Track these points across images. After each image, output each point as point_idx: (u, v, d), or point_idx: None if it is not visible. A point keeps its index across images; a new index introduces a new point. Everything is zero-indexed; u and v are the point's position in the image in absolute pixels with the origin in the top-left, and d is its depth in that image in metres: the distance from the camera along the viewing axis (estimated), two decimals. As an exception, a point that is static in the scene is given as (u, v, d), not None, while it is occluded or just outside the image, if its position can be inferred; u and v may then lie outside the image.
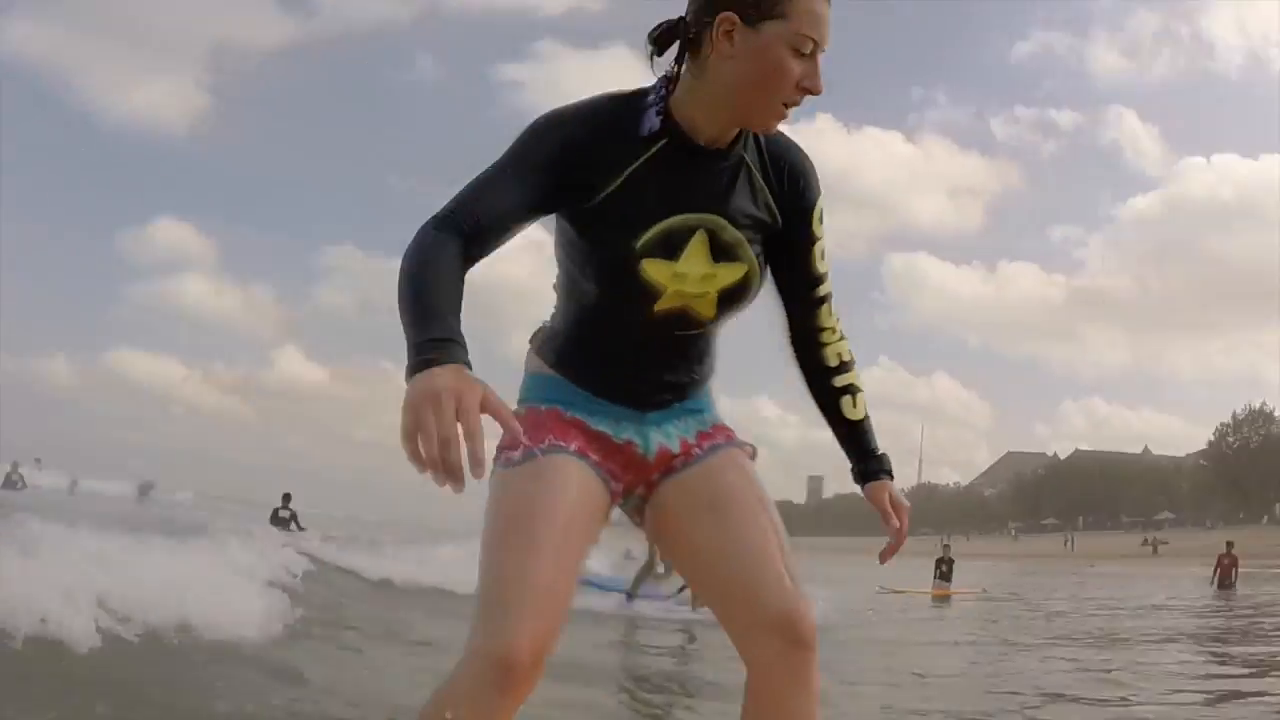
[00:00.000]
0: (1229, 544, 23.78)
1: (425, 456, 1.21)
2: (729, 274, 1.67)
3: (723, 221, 1.66)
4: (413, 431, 1.22)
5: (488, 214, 1.54)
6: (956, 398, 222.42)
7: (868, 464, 1.88)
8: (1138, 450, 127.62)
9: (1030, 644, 9.96)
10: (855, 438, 1.88)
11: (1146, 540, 70.31)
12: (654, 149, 1.62)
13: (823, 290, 1.83)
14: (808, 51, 1.55)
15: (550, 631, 1.54)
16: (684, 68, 1.62)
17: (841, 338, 1.88)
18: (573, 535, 1.63)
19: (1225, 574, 22.86)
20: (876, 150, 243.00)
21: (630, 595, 11.24)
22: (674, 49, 1.63)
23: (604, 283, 1.66)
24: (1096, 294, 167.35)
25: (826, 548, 54.36)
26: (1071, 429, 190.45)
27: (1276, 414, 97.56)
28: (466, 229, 1.51)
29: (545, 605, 1.55)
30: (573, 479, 1.67)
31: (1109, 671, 7.24)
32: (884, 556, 1.92)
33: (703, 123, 1.63)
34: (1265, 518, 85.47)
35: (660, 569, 10.72)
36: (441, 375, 1.24)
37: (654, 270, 1.63)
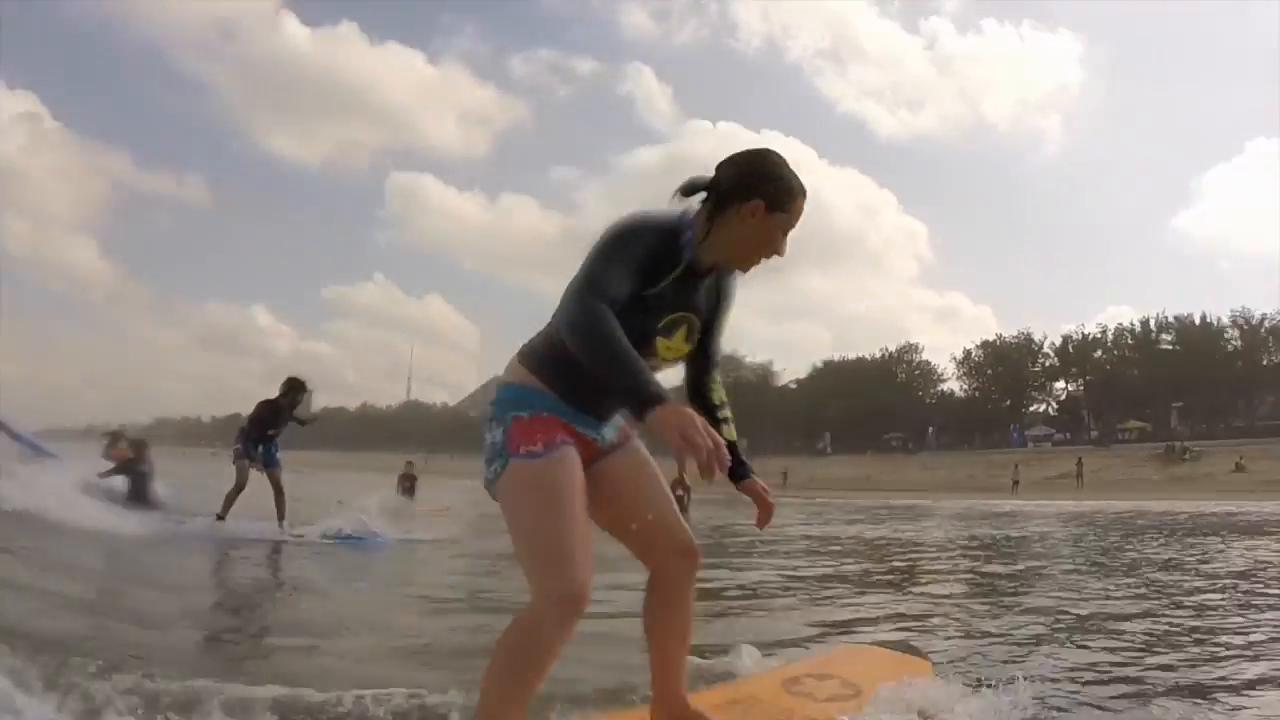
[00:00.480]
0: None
1: (705, 455, 2.11)
2: (689, 346, 2.73)
3: (697, 319, 2.69)
4: (690, 438, 2.11)
5: (616, 293, 2.40)
6: (449, 320, 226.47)
7: (741, 469, 2.79)
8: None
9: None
10: (732, 452, 2.64)
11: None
12: (681, 268, 2.58)
13: (718, 356, 2.91)
14: (787, 233, 2.61)
15: (591, 574, 2.38)
16: (706, 216, 2.61)
17: (720, 384, 2.91)
18: (584, 504, 2.48)
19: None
20: (397, 66, 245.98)
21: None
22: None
23: None
24: (589, 235, 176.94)
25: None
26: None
27: (746, 359, 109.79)
28: (607, 303, 2.36)
29: (588, 556, 2.40)
30: (577, 466, 2.53)
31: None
32: (760, 523, 2.79)
33: (707, 259, 2.63)
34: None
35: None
36: (682, 409, 2.17)
37: (660, 342, 2.61)
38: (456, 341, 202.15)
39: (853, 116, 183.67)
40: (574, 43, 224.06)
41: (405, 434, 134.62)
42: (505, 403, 2.62)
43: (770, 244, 2.64)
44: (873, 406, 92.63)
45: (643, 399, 2.22)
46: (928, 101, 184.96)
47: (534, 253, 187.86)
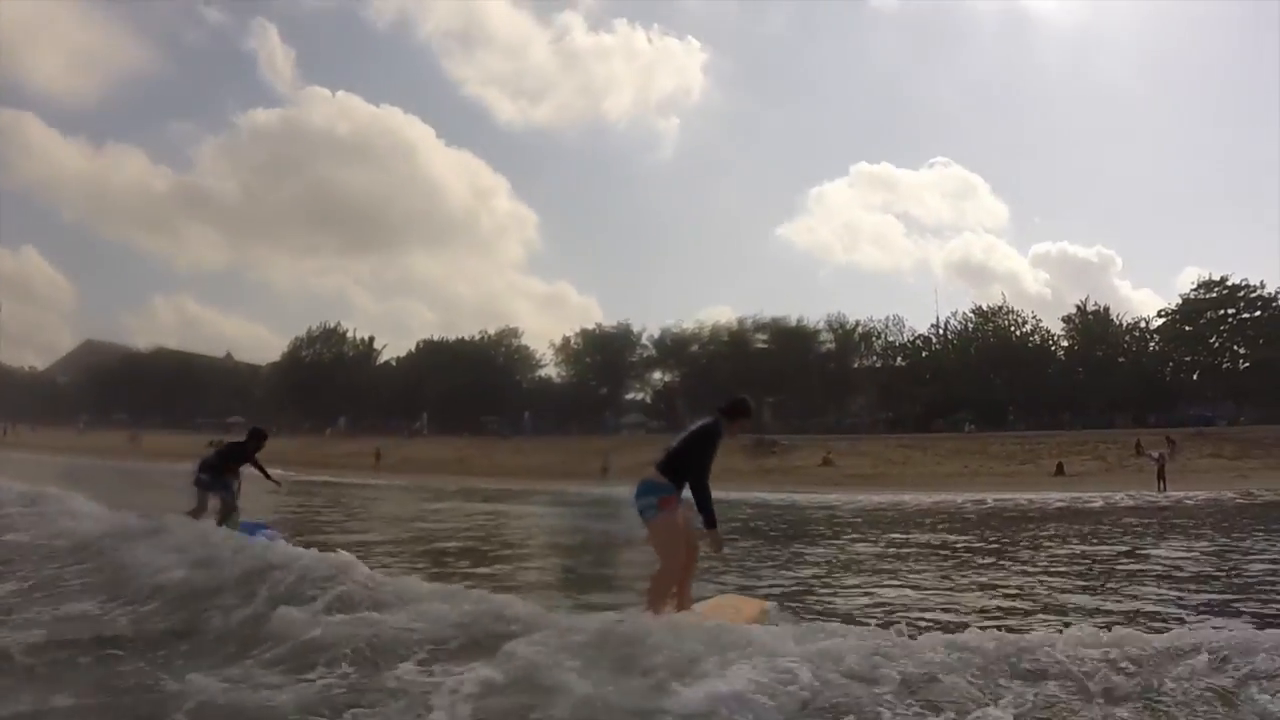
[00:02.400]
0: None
1: (719, 549, 7.76)
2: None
3: None
4: (718, 546, 7.58)
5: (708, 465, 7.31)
6: (44, 275, 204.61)
7: (706, 524, 7.27)
8: (221, 354, 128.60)
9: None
10: (705, 510, 7.18)
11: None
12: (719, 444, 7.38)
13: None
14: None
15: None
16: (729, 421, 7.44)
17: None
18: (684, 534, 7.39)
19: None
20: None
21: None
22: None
23: None
24: (202, 193, 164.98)
25: None
26: (160, 325, 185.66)
27: (349, 335, 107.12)
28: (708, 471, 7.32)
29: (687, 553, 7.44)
30: (681, 518, 7.32)
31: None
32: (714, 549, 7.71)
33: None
34: (329, 430, 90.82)
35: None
36: (716, 533, 7.41)
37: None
38: (51, 299, 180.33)
39: (475, 100, 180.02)
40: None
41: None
42: (657, 488, 7.12)
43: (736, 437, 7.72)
44: (472, 389, 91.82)
45: (713, 520, 7.23)
46: (550, 93, 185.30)
47: (141, 208, 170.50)
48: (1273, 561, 14.44)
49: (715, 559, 9.89)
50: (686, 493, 7.13)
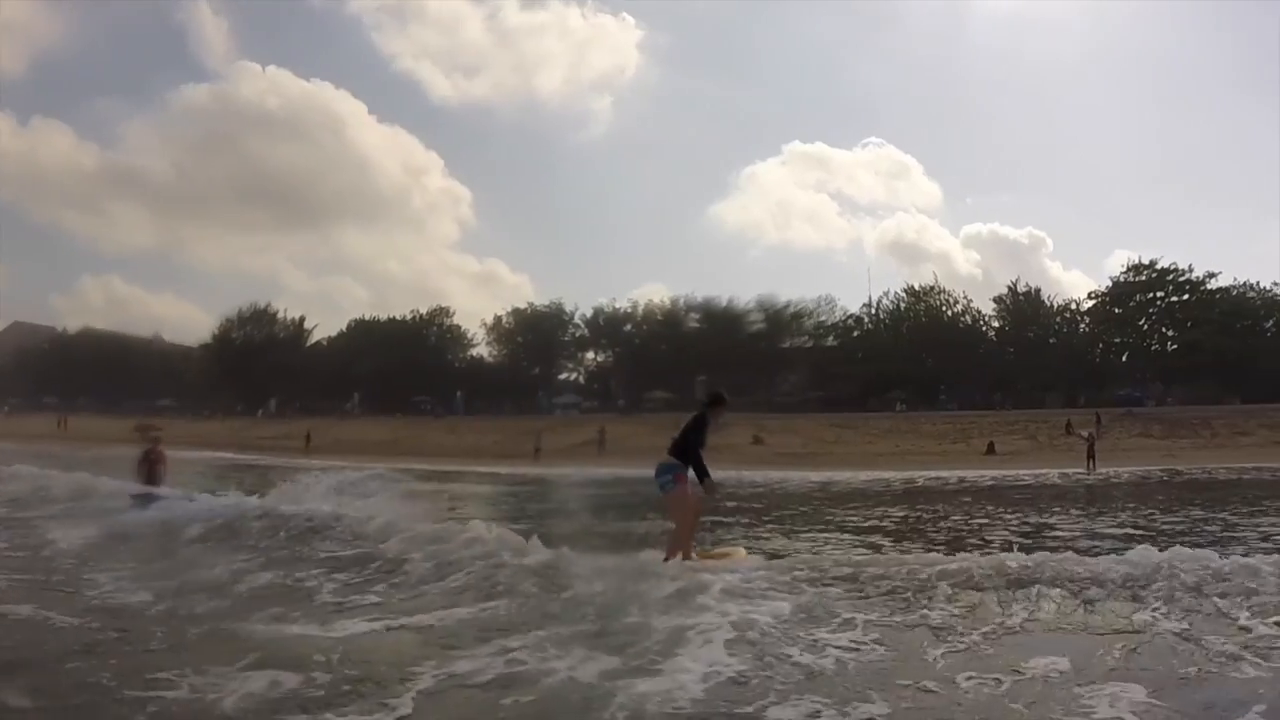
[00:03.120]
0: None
1: (717, 496, 11.26)
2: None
3: None
4: (713, 491, 10.26)
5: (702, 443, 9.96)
6: None
7: (705, 482, 9.84)
8: (150, 335, 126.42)
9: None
10: (700, 471, 9.74)
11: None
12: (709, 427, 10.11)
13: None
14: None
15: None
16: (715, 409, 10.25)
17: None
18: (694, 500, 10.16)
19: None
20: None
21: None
22: None
23: None
24: (131, 171, 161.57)
25: None
26: (88, 305, 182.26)
27: (280, 315, 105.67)
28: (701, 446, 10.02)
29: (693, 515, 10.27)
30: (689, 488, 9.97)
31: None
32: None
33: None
34: (260, 412, 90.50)
35: None
36: (712, 481, 9.95)
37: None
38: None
39: (407, 75, 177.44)
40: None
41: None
42: (672, 467, 9.81)
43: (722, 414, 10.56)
44: (404, 368, 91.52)
45: (705, 475, 9.77)
46: (483, 69, 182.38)
47: (67, 186, 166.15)
48: (1186, 518, 16.85)
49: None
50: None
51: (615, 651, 6.00)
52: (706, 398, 10.55)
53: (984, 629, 6.26)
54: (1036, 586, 7.03)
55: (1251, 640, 5.73)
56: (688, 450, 9.93)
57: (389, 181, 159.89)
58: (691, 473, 9.83)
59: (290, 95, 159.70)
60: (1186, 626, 6.06)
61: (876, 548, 13.92)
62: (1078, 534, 15.44)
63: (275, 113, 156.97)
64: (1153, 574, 7.00)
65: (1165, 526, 16.42)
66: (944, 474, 35.50)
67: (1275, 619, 6.02)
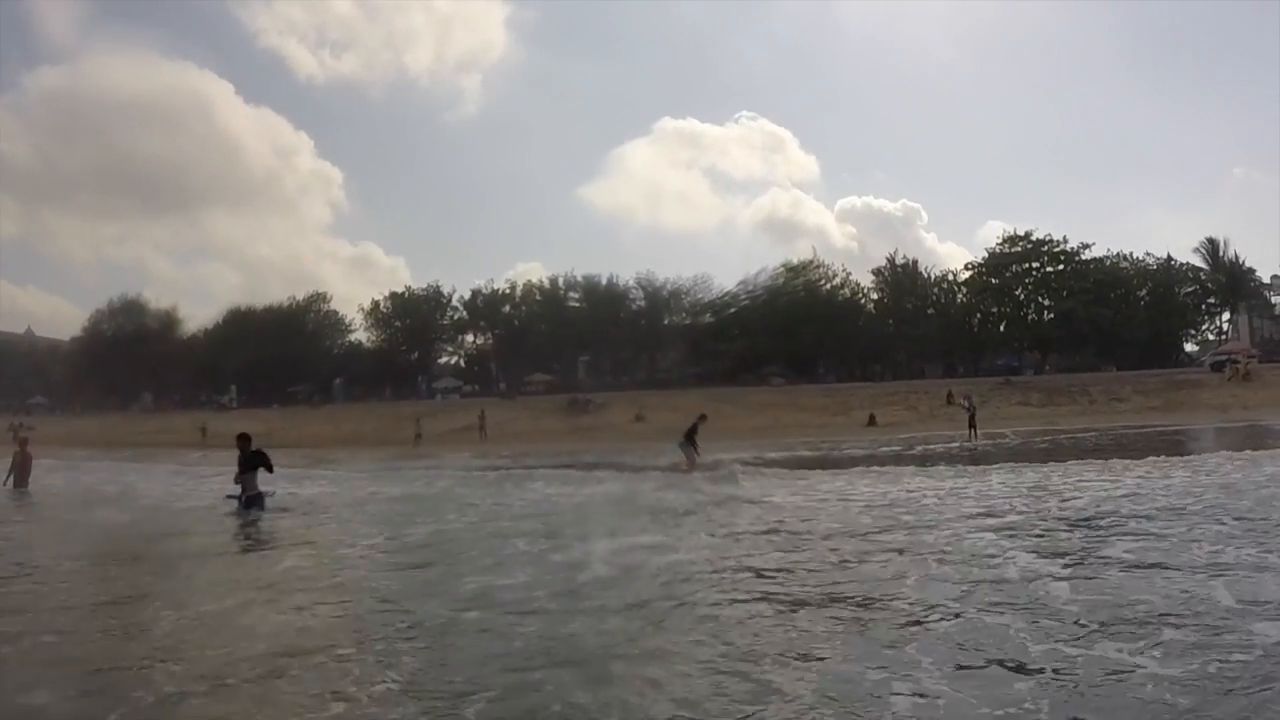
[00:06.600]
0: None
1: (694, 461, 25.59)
2: None
3: None
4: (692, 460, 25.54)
5: None
6: None
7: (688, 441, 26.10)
8: (20, 330, 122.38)
9: None
10: (690, 440, 25.93)
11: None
12: None
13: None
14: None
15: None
16: None
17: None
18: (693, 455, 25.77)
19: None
20: None
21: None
22: None
23: None
24: None
25: None
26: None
27: (151, 306, 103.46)
28: None
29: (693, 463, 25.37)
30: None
31: None
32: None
33: None
34: (134, 407, 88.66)
35: None
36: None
37: None
38: None
39: (273, 52, 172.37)
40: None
41: None
42: (685, 441, 26.06)
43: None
44: (280, 358, 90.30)
45: (691, 441, 26.04)
46: (352, 46, 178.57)
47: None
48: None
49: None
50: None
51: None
52: (698, 419, 26.85)
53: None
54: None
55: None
56: (689, 434, 25.83)
57: (257, 163, 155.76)
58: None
59: (152, 76, 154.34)
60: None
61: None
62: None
63: (137, 95, 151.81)
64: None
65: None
66: (827, 446, 35.62)
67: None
